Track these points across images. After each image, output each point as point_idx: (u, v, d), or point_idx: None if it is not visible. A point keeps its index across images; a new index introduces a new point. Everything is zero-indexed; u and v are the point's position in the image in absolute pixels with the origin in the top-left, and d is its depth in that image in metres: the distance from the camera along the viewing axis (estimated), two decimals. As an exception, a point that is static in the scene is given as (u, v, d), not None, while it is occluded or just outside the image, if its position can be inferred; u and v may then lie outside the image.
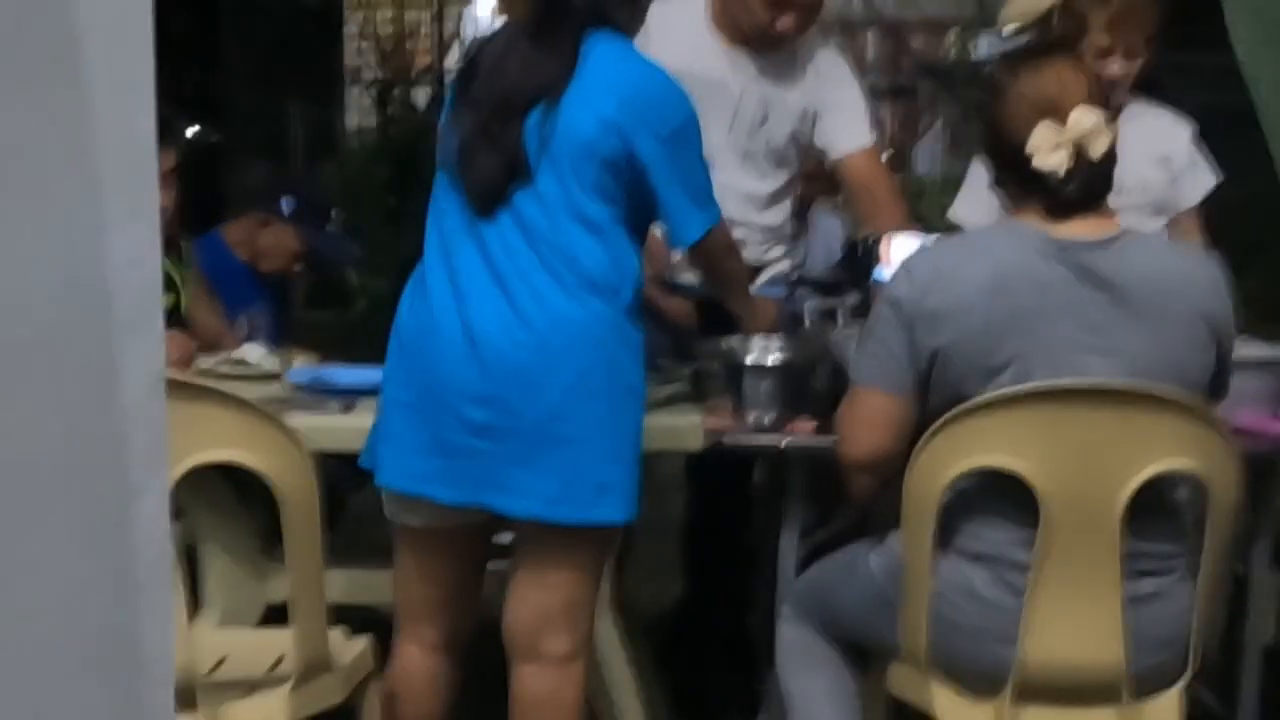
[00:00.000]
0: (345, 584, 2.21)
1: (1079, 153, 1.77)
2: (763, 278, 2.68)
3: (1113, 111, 1.90)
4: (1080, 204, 1.79)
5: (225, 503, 2.23)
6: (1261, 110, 0.70)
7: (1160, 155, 2.54)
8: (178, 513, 2.09)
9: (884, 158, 6.98)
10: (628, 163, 1.88)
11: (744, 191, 2.61)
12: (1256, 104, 0.69)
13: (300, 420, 2.03)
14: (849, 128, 2.62)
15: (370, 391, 2.20)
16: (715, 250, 2.08)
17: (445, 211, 1.93)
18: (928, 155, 7.32)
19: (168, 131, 2.62)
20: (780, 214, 2.71)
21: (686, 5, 2.65)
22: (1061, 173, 1.77)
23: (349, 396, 2.27)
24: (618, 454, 1.87)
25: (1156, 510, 1.79)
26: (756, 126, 2.60)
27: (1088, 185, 1.79)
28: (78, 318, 0.57)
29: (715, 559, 2.88)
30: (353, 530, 2.44)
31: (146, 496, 0.61)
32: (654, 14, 2.70)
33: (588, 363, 1.85)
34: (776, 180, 2.66)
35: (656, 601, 3.06)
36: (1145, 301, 1.77)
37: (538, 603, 1.91)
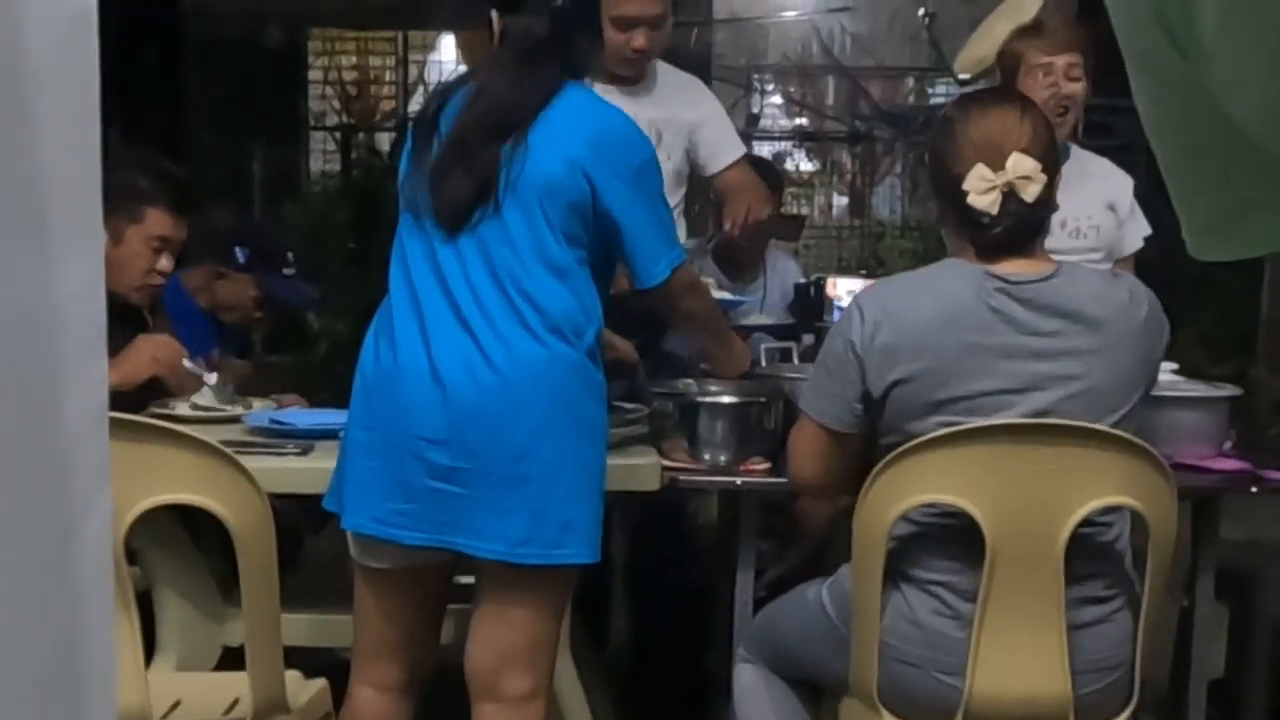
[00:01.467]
0: (301, 627, 2.20)
1: (1012, 196, 1.83)
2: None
3: (1066, 141, 1.96)
4: (1008, 246, 1.84)
5: (182, 546, 2.22)
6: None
7: (1110, 201, 2.63)
8: (134, 556, 2.09)
9: (844, 202, 7.06)
10: (593, 204, 1.92)
11: None
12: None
13: (258, 463, 2.03)
14: (720, 144, 2.80)
15: (328, 434, 2.21)
16: (680, 290, 2.10)
17: (410, 253, 1.95)
18: (886, 199, 7.42)
19: (188, 203, 2.64)
20: (683, 232, 2.79)
21: None
22: (993, 213, 1.82)
23: (307, 439, 2.27)
24: (581, 495, 1.88)
25: (1098, 542, 1.83)
26: (655, 149, 2.70)
27: (1017, 228, 1.84)
28: (22, 350, 0.58)
29: (665, 598, 2.90)
30: (309, 573, 2.43)
31: (88, 529, 0.62)
32: None
33: (551, 405, 1.86)
34: (676, 197, 2.75)
35: (613, 641, 3.06)
36: (1086, 330, 1.83)
37: (499, 642, 1.92)
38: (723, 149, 2.79)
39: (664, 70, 2.80)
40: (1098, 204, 2.56)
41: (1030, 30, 2.57)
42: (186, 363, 2.50)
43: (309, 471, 2.12)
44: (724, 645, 2.28)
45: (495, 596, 1.92)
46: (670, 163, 2.70)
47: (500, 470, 1.84)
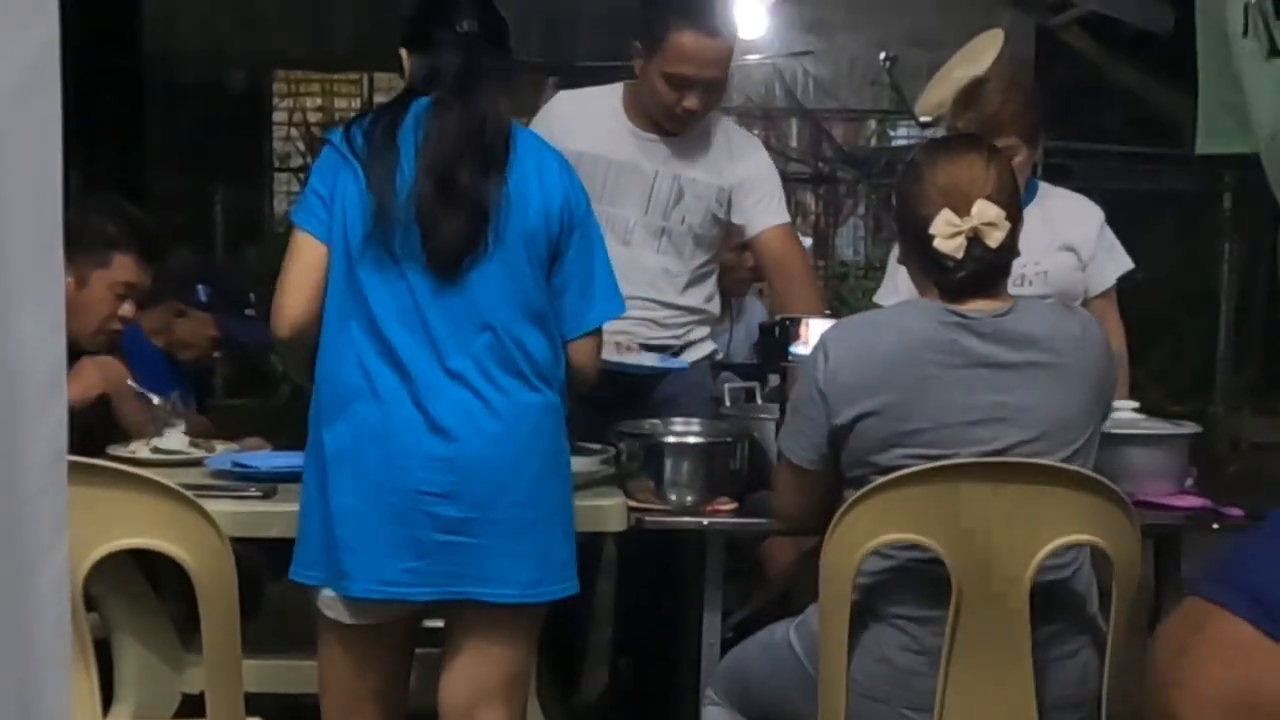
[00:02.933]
0: (262, 673, 2.17)
1: (976, 242, 1.86)
2: (686, 357, 2.72)
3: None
4: (972, 288, 1.88)
5: (141, 591, 2.18)
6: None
7: (1063, 243, 2.60)
8: (91, 602, 2.05)
9: (808, 244, 7.14)
10: (564, 247, 1.94)
11: (662, 270, 2.67)
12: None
13: (219, 506, 2.00)
14: (763, 205, 2.69)
15: (291, 477, 2.19)
16: (598, 345, 2.07)
17: (377, 300, 1.88)
18: (850, 240, 7.49)
19: (156, 251, 2.63)
20: (702, 295, 2.75)
21: (600, 96, 2.74)
22: (958, 257, 1.85)
23: (270, 482, 2.25)
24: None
25: (1063, 579, 1.84)
26: (672, 206, 2.66)
27: (980, 272, 1.88)
28: (-20, 395, 0.58)
29: (634, 641, 2.88)
30: (270, 618, 2.40)
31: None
32: (566, 104, 2.78)
33: (548, 449, 1.92)
34: (695, 260, 2.71)
35: (582, 686, 3.04)
36: (1045, 363, 1.86)
37: (476, 678, 1.92)
38: (760, 214, 2.67)
39: (722, 127, 2.72)
40: (1048, 248, 2.53)
41: (963, 109, 2.58)
42: (131, 383, 2.48)
43: (272, 514, 2.10)
44: (692, 687, 2.27)
45: (476, 634, 1.92)
46: (684, 225, 2.66)
47: (509, 517, 1.86)
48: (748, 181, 2.68)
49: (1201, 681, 0.83)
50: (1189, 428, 2.33)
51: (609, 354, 2.50)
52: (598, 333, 2.04)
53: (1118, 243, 2.68)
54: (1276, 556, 0.86)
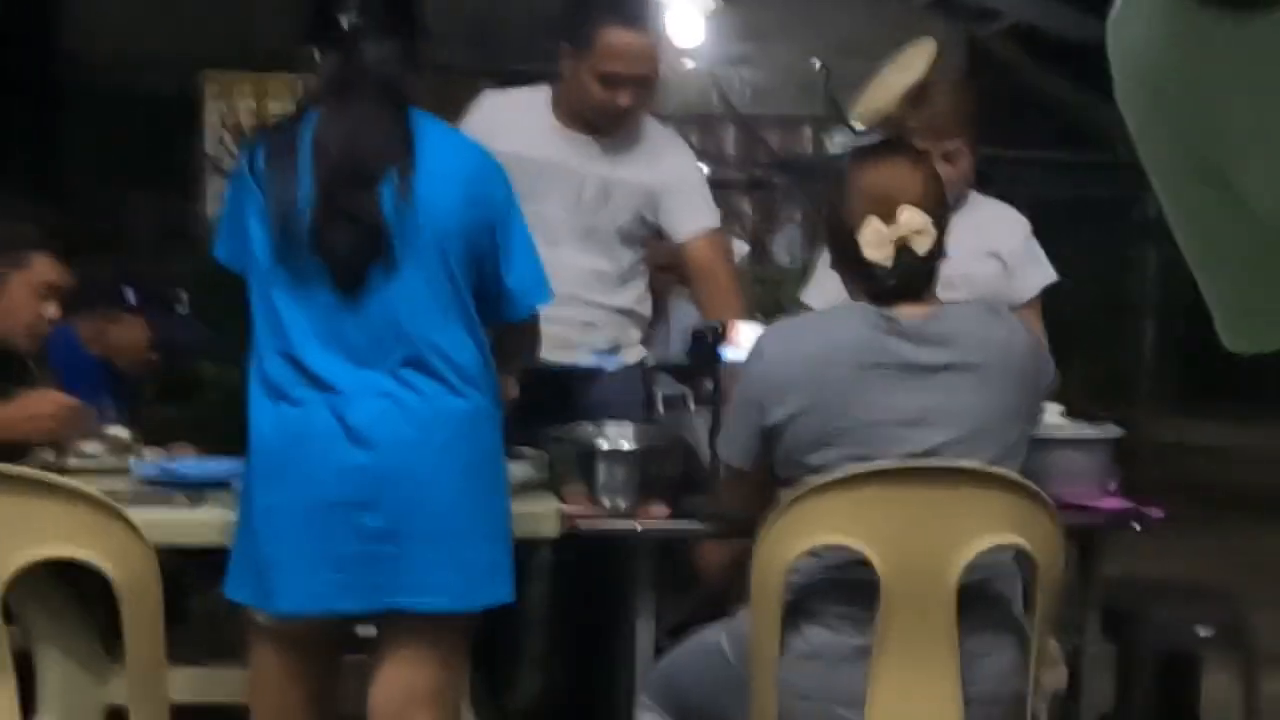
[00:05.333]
0: (189, 682, 2.14)
1: (904, 248, 1.88)
2: (622, 360, 2.71)
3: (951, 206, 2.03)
4: (901, 294, 1.91)
5: (63, 601, 2.14)
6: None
7: (989, 250, 2.64)
8: (11, 615, 2.01)
9: (745, 250, 7.18)
10: (485, 243, 1.92)
11: (591, 270, 2.66)
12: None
13: (145, 514, 1.97)
14: (689, 209, 2.67)
15: (219, 484, 2.16)
16: (536, 328, 2.08)
17: (288, 315, 1.86)
18: (786, 246, 7.54)
19: (74, 249, 2.58)
20: (632, 295, 2.75)
21: (527, 96, 2.72)
22: (887, 265, 1.88)
23: (197, 489, 2.22)
24: (501, 536, 1.92)
25: (988, 580, 1.88)
26: (600, 205, 2.65)
27: (909, 279, 1.91)
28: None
29: (568, 647, 2.88)
30: (198, 626, 2.37)
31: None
32: (492, 104, 2.77)
33: (474, 454, 1.89)
34: (624, 259, 2.70)
35: (516, 691, 3.03)
36: (972, 366, 1.89)
37: (406, 685, 1.90)
38: (687, 218, 2.64)
39: (650, 128, 2.71)
40: (973, 254, 2.55)
41: (913, 109, 2.62)
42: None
43: (200, 523, 2.07)
44: (627, 692, 2.27)
45: (405, 643, 1.90)
46: (612, 225, 2.65)
47: (433, 525, 1.84)
48: (674, 184, 2.67)
49: None
50: (1112, 431, 2.37)
51: (548, 354, 2.50)
52: (532, 321, 2.02)
53: (1043, 254, 2.72)
54: None
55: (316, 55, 1.96)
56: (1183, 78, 0.66)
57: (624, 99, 2.55)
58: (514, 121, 2.65)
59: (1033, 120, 7.36)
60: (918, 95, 2.61)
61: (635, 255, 2.73)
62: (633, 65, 2.54)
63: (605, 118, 2.60)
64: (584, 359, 2.59)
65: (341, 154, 1.85)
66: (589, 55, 2.54)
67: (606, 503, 2.22)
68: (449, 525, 1.85)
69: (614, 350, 2.70)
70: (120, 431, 2.50)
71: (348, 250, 1.84)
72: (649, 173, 2.67)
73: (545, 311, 2.55)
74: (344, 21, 1.88)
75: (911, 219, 1.89)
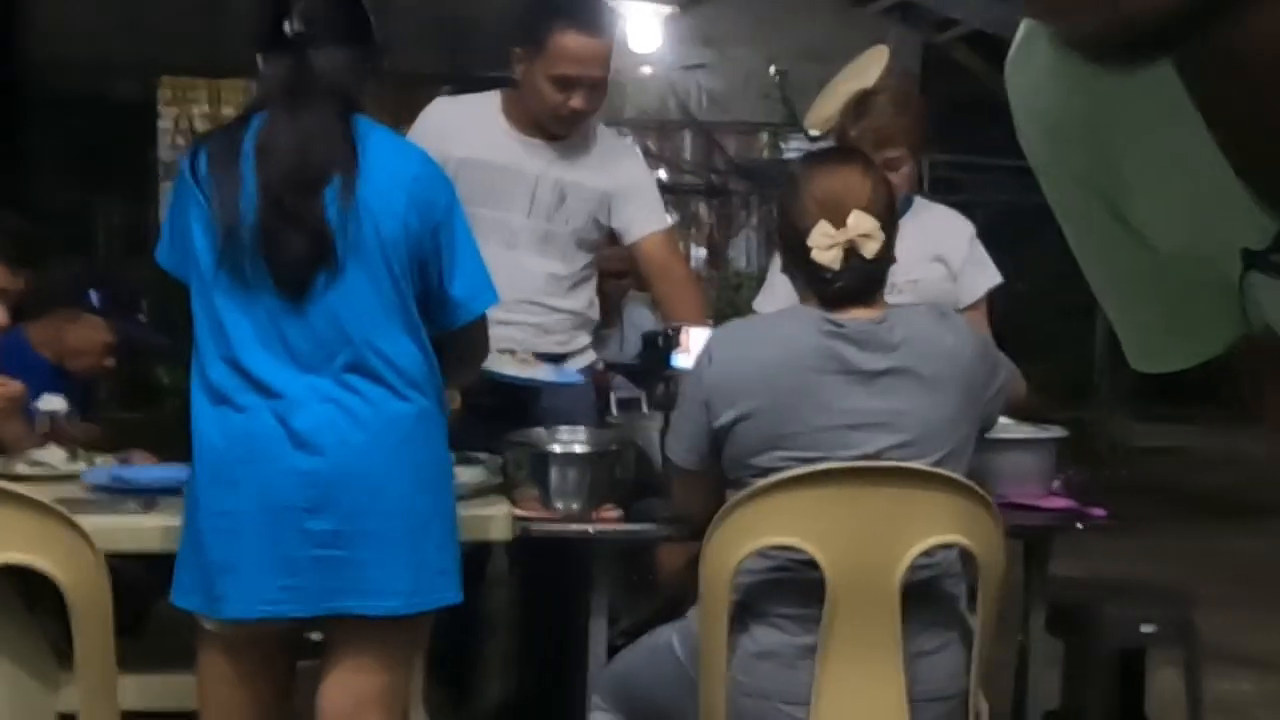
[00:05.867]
0: (141, 690, 2.13)
1: (853, 252, 1.91)
2: (571, 365, 2.73)
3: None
4: (850, 298, 1.93)
5: (12, 608, 2.13)
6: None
7: (934, 254, 2.68)
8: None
9: (703, 255, 7.21)
10: (428, 248, 1.93)
11: (547, 273, 2.68)
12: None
13: (97, 521, 1.97)
14: (643, 212, 2.72)
15: (172, 490, 2.16)
16: (483, 333, 2.09)
17: (231, 322, 1.86)
18: (743, 251, 7.59)
19: (26, 255, 2.56)
20: (584, 299, 2.77)
21: (478, 102, 2.75)
22: (835, 268, 1.91)
23: (149, 495, 2.21)
24: (449, 538, 1.93)
25: (932, 579, 1.91)
26: (555, 209, 2.68)
27: (858, 282, 1.94)
28: None
29: (524, 649, 2.89)
30: (151, 634, 2.36)
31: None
32: (444, 110, 2.78)
33: (421, 457, 1.89)
34: (578, 263, 2.73)
35: (471, 695, 3.04)
36: (920, 369, 1.92)
37: (355, 689, 1.91)
38: (640, 220, 2.69)
39: (600, 133, 2.75)
40: (919, 258, 2.59)
41: (854, 118, 2.65)
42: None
43: (152, 529, 2.07)
44: (585, 695, 2.28)
45: (355, 646, 1.90)
46: (567, 227, 2.68)
47: (382, 528, 1.85)
48: (627, 187, 2.71)
49: None
50: (1055, 432, 2.41)
51: (505, 368, 2.51)
52: (480, 323, 2.03)
53: (988, 257, 2.75)
54: None
55: (261, 61, 1.96)
56: (1076, 120, 0.69)
57: (576, 101, 2.58)
58: (467, 127, 2.66)
59: (996, 127, 7.41)
60: (862, 105, 2.65)
61: (588, 258, 2.76)
62: (585, 68, 2.57)
63: (558, 120, 2.63)
64: (541, 373, 2.61)
65: (287, 159, 1.85)
66: (542, 57, 2.56)
67: (560, 506, 2.24)
68: (399, 528, 1.86)
69: (563, 358, 2.72)
70: (53, 454, 2.46)
71: (293, 255, 1.84)
72: (602, 176, 2.70)
73: (500, 315, 2.57)
74: (291, 28, 1.89)
75: (860, 223, 1.92)
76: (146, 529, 2.08)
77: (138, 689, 2.11)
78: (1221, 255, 0.67)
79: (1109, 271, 0.79)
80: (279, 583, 1.83)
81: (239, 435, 1.85)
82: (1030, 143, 0.74)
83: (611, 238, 2.78)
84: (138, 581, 2.33)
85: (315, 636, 2.01)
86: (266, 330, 1.86)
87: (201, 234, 1.88)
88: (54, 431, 2.69)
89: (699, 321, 2.60)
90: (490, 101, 2.72)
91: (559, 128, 2.64)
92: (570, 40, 2.55)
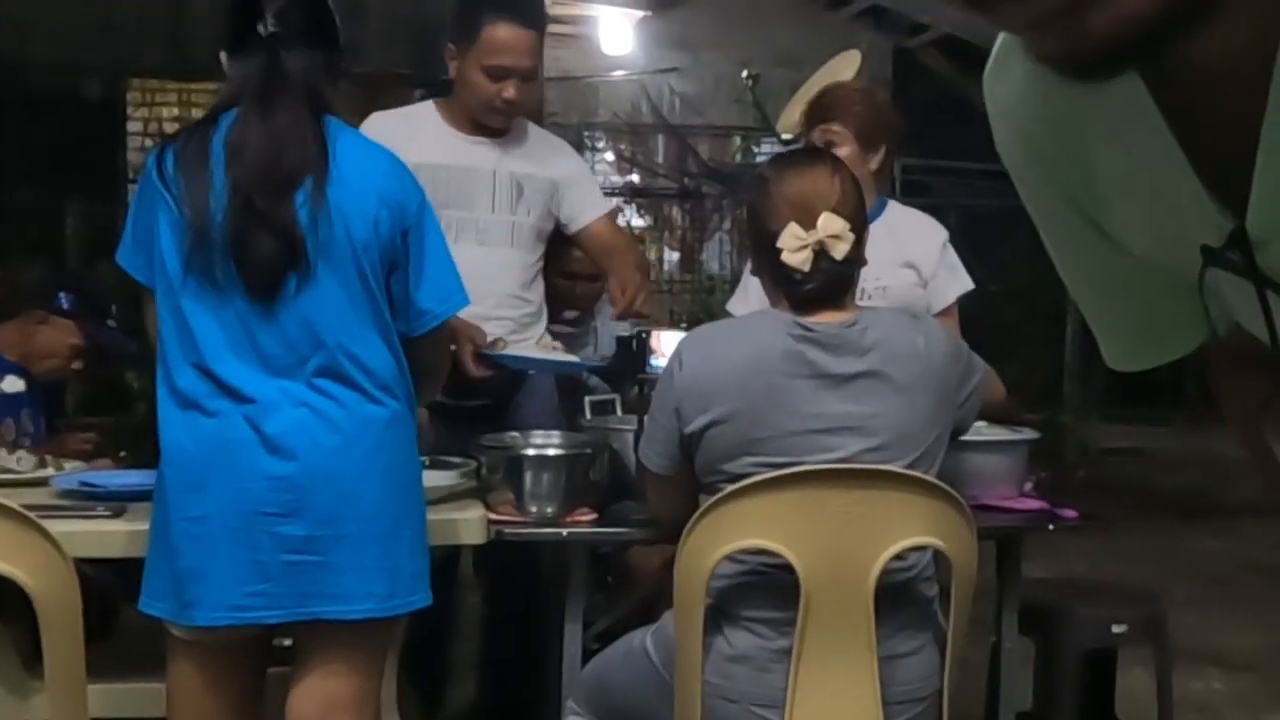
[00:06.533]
0: (111, 698, 2.11)
1: (823, 254, 1.91)
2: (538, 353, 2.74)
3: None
4: (820, 300, 1.93)
5: (-19, 617, 2.11)
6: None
7: (905, 260, 2.68)
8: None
9: (675, 258, 7.20)
10: (399, 251, 1.92)
11: (520, 266, 2.74)
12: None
13: (66, 527, 1.95)
14: (586, 200, 2.82)
15: (142, 495, 2.14)
16: (446, 337, 2.10)
17: (200, 325, 1.83)
18: (716, 254, 7.61)
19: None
20: (540, 290, 2.82)
21: (415, 112, 2.81)
22: (805, 270, 1.91)
23: (119, 501, 2.19)
24: (420, 541, 1.93)
25: (906, 580, 1.91)
26: (516, 201, 2.74)
27: (828, 284, 1.93)
28: None
29: (498, 654, 2.89)
30: (121, 641, 2.34)
31: None
32: (384, 123, 2.78)
33: (393, 461, 1.88)
34: (537, 254, 2.79)
35: (446, 700, 3.03)
36: (891, 372, 1.92)
37: (327, 693, 1.89)
38: (588, 205, 2.81)
39: (531, 129, 2.83)
40: (889, 264, 2.60)
41: (815, 118, 2.67)
42: None
43: (122, 534, 2.05)
44: (558, 698, 2.28)
45: (328, 651, 1.89)
46: (529, 218, 2.73)
47: (356, 532, 1.84)
48: (570, 178, 2.80)
49: None
50: (1027, 434, 2.43)
51: (532, 352, 2.57)
52: (444, 328, 2.04)
53: (959, 263, 2.75)
54: None
55: (225, 61, 1.94)
56: (1049, 129, 0.72)
57: (509, 92, 2.65)
58: (412, 135, 2.68)
59: (967, 131, 7.47)
60: (813, 108, 2.68)
61: (542, 249, 2.82)
62: (517, 58, 2.64)
63: (492, 112, 2.69)
64: (570, 357, 2.68)
65: (258, 159, 1.84)
66: (474, 51, 2.64)
67: (534, 509, 2.23)
68: (372, 532, 1.85)
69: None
70: (22, 460, 2.44)
71: (263, 257, 1.83)
72: (548, 167, 2.77)
73: (484, 311, 2.59)
74: (263, 28, 1.87)
75: (830, 224, 1.92)
76: (115, 534, 2.06)
77: (107, 697, 2.09)
78: (1185, 257, 0.70)
79: (1085, 275, 0.82)
80: (251, 588, 1.82)
81: (209, 441, 1.83)
82: (1008, 150, 0.77)
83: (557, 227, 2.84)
84: (106, 587, 2.31)
85: (285, 642, 1.99)
86: (236, 334, 1.84)
87: (169, 235, 1.85)
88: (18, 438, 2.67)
89: (642, 273, 2.73)
90: (425, 110, 2.80)
91: (495, 120, 2.70)
92: (501, 31, 2.62)
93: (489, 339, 2.56)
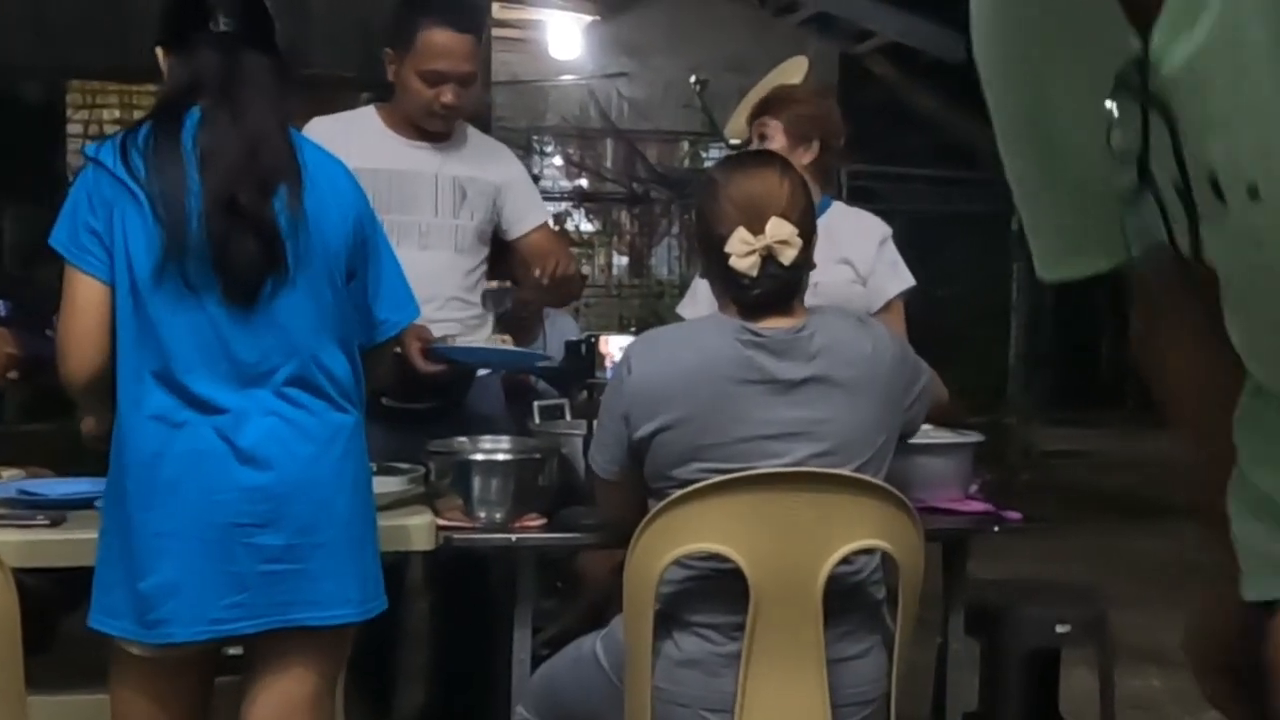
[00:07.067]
0: (52, 711, 2.07)
1: (771, 259, 1.92)
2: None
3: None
4: (768, 305, 1.94)
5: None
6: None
7: (840, 257, 2.70)
8: None
9: (624, 262, 7.20)
10: (359, 260, 1.92)
11: (464, 269, 2.74)
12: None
13: (4, 536, 1.92)
14: (527, 206, 2.82)
15: (82, 504, 2.10)
16: (394, 343, 2.10)
17: (167, 328, 1.78)
18: (665, 259, 7.63)
19: None
20: (480, 293, 2.82)
21: (356, 116, 2.82)
22: (753, 275, 1.92)
23: (58, 510, 2.16)
24: (378, 546, 1.94)
25: (854, 583, 1.93)
26: (459, 205, 2.74)
27: (776, 289, 1.94)
28: None
29: (448, 660, 2.88)
30: (62, 652, 2.30)
31: None
32: (325, 127, 2.76)
33: (359, 467, 1.90)
34: (480, 256, 2.79)
35: (395, 707, 3.01)
36: (839, 377, 1.93)
37: (288, 697, 1.88)
38: (528, 213, 2.81)
39: (472, 133, 2.83)
40: (824, 261, 2.62)
41: (754, 116, 2.71)
42: None
43: (62, 544, 2.01)
44: (507, 704, 2.27)
45: (291, 657, 1.87)
46: (473, 221, 2.74)
47: (332, 539, 1.83)
48: (511, 182, 2.80)
49: None
50: (973, 437, 2.45)
51: (487, 341, 2.57)
52: (393, 340, 2.05)
53: (900, 260, 2.77)
54: None
55: (163, 57, 1.90)
56: (1012, 40, 0.84)
57: (447, 96, 2.64)
58: (353, 139, 2.67)
59: (912, 137, 7.56)
60: (755, 109, 2.72)
61: (485, 252, 2.82)
62: (454, 62, 2.63)
63: (431, 117, 2.68)
64: (519, 350, 2.69)
65: (238, 160, 1.80)
66: (411, 55, 2.64)
67: (482, 515, 2.22)
68: (346, 538, 1.85)
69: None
70: None
71: (246, 259, 1.79)
72: (490, 170, 2.77)
73: (430, 314, 2.58)
74: (215, 25, 1.85)
75: (778, 229, 1.93)
76: (55, 544, 2.02)
77: (47, 709, 2.05)
78: (1115, 156, 0.80)
79: (1028, 172, 0.91)
80: (229, 600, 1.78)
81: (178, 453, 1.78)
82: (981, 57, 0.87)
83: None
84: (46, 597, 2.27)
85: (232, 651, 1.97)
86: (208, 340, 1.80)
87: (141, 237, 1.79)
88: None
89: (572, 262, 2.75)
90: (366, 115, 2.79)
91: (434, 124, 2.70)
92: (438, 36, 2.62)
93: (437, 336, 2.56)
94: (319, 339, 1.86)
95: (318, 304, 1.85)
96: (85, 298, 1.82)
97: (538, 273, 2.64)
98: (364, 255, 1.93)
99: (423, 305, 2.53)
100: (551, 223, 2.95)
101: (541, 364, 2.63)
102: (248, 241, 1.79)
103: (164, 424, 1.79)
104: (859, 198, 6.68)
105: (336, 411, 1.87)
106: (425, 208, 2.70)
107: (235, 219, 1.79)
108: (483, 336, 2.77)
